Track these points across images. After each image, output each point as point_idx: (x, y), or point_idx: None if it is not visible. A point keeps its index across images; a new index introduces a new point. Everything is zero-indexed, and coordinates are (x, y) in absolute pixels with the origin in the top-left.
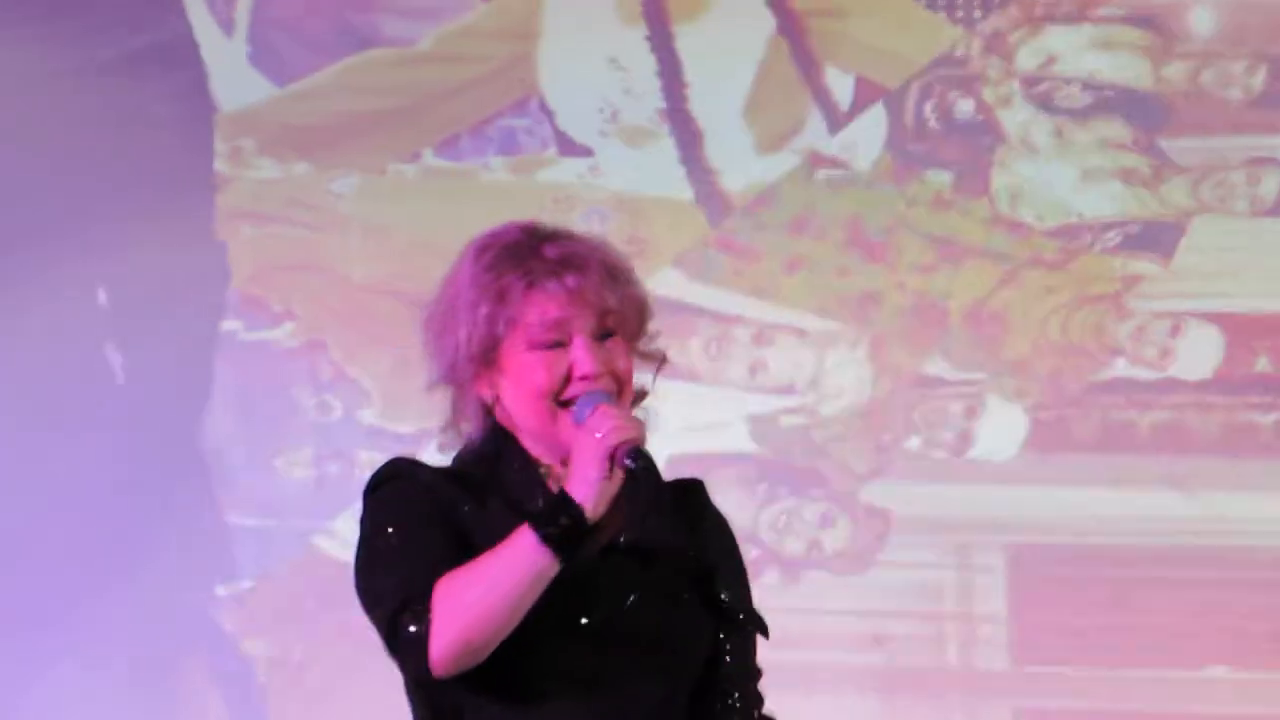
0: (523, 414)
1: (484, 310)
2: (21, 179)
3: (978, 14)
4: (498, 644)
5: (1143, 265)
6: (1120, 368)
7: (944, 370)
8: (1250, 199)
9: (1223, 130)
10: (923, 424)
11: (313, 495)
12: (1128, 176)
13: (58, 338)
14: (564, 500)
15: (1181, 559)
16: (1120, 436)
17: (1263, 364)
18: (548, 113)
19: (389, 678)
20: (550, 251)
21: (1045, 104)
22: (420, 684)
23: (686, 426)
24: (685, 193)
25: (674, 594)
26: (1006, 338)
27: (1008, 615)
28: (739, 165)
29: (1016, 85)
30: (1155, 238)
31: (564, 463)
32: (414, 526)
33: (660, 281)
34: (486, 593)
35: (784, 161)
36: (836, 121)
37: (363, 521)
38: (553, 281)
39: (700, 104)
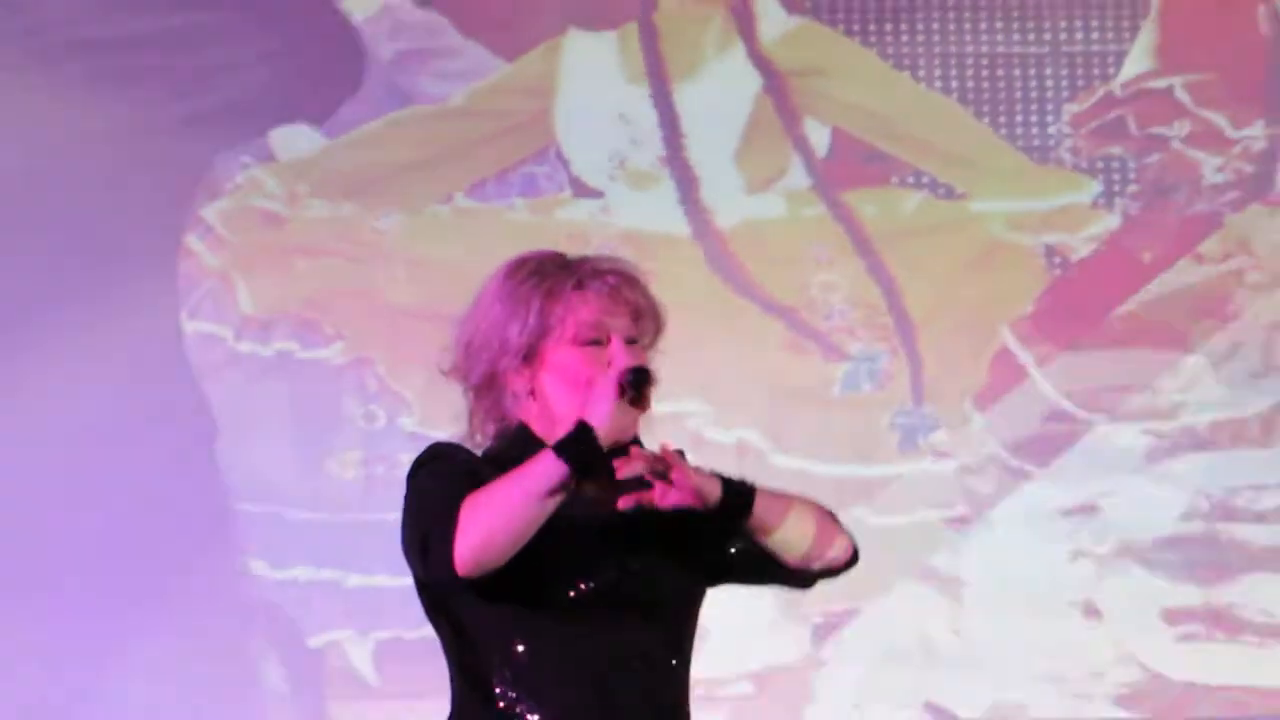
0: (562, 402)
1: (535, 305)
2: (112, 210)
3: (936, 72)
4: (515, 548)
5: None
6: None
7: None
8: None
9: None
10: None
11: (361, 493)
12: None
13: (139, 354)
14: (579, 423)
15: None
16: None
17: None
18: (563, 160)
19: (430, 649)
20: (592, 263)
21: None
22: (444, 602)
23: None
24: (684, 229)
25: (667, 557)
26: None
27: None
28: (730, 205)
29: None
30: None
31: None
32: (450, 478)
33: None
34: (507, 500)
35: (770, 202)
36: (814, 167)
37: (406, 493)
38: (598, 282)
39: (696, 152)
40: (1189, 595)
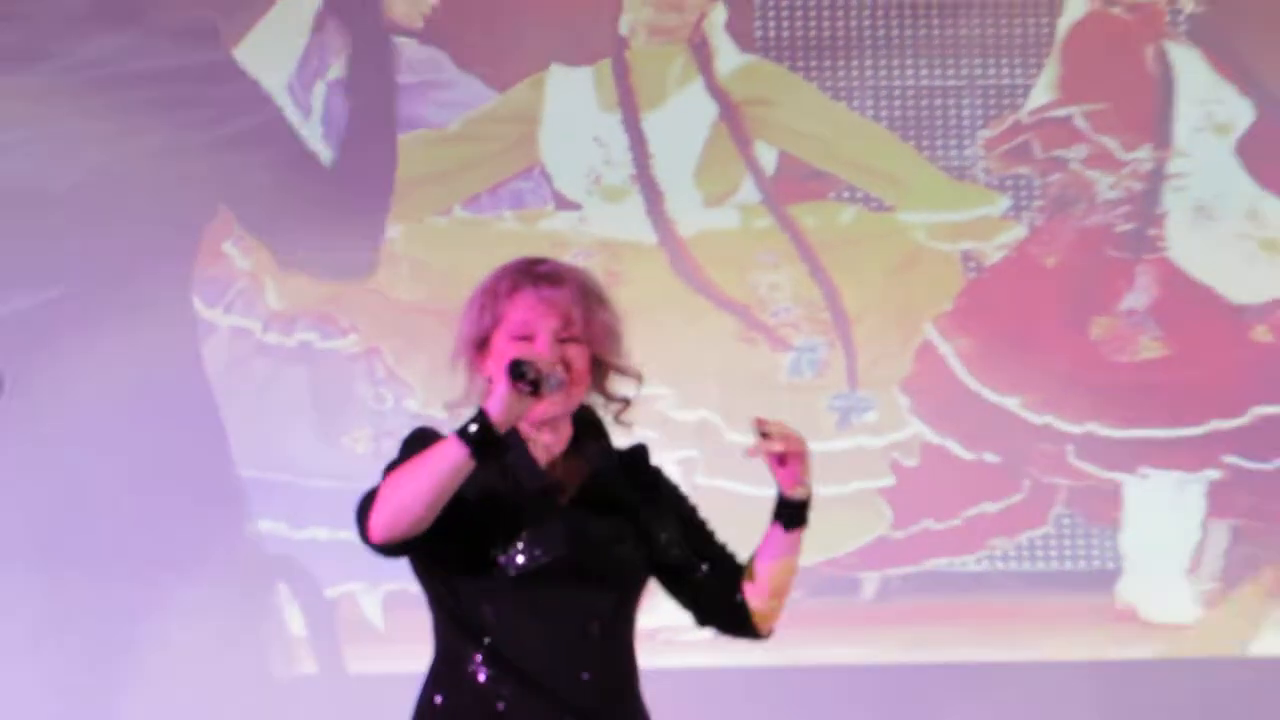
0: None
1: (480, 305)
2: (156, 223)
3: (869, 102)
4: (425, 519)
5: None
6: None
7: None
8: None
9: None
10: None
11: (371, 465)
12: None
13: (170, 348)
14: (479, 410)
15: None
16: None
17: None
18: (547, 177)
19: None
20: (537, 270)
21: None
22: (422, 570)
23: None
24: (651, 238)
25: (619, 534)
26: None
27: None
28: (691, 217)
29: None
30: None
31: (536, 427)
32: (401, 461)
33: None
34: (413, 479)
35: (725, 214)
36: (763, 184)
37: None
38: (530, 289)
39: (661, 170)
40: None
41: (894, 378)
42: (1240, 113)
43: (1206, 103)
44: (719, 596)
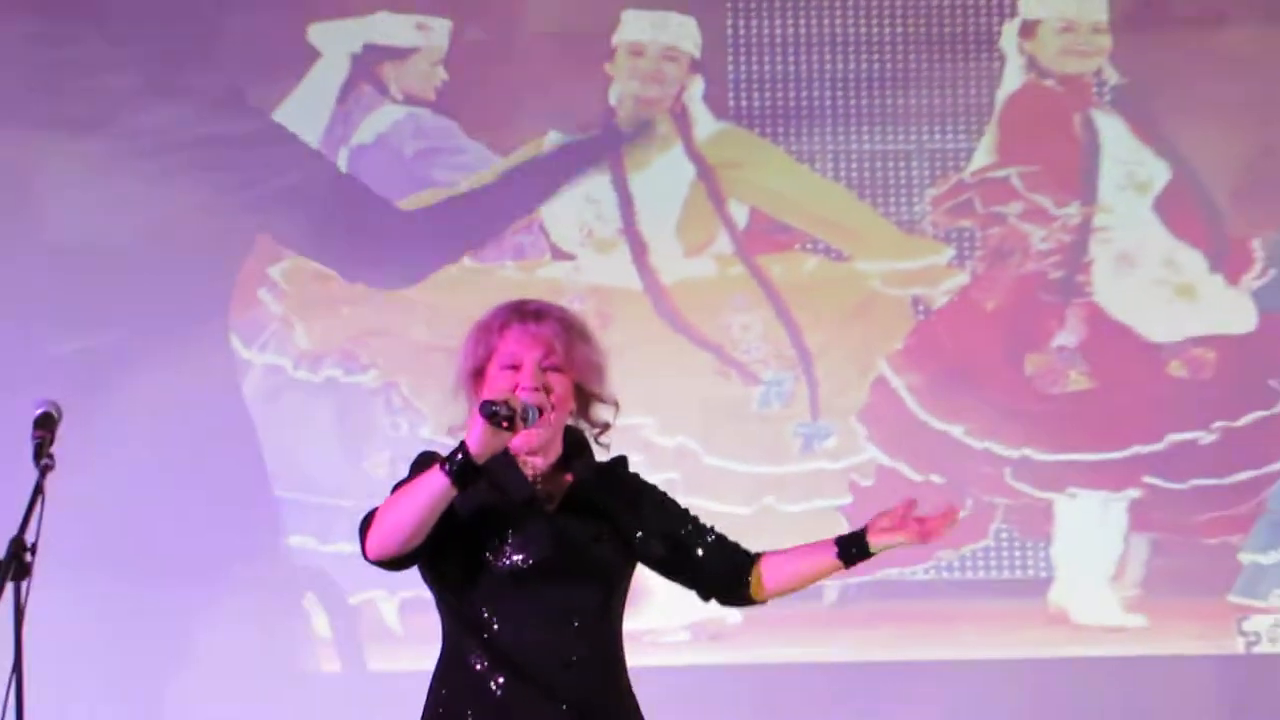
0: None
1: (476, 340)
2: (199, 272)
3: (829, 164)
4: (413, 538)
5: None
6: None
7: None
8: None
9: None
10: None
11: (390, 486)
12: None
13: (212, 383)
14: (460, 444)
15: None
16: None
17: None
18: (544, 231)
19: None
20: (525, 308)
21: None
22: (430, 576)
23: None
24: (636, 284)
25: (598, 536)
26: None
27: None
28: (672, 266)
29: None
30: None
31: (529, 452)
32: (403, 484)
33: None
34: (404, 503)
35: (702, 264)
36: (736, 236)
37: None
38: (518, 324)
39: (646, 225)
40: None
41: (852, 408)
42: (1157, 173)
43: (1128, 164)
44: (719, 575)
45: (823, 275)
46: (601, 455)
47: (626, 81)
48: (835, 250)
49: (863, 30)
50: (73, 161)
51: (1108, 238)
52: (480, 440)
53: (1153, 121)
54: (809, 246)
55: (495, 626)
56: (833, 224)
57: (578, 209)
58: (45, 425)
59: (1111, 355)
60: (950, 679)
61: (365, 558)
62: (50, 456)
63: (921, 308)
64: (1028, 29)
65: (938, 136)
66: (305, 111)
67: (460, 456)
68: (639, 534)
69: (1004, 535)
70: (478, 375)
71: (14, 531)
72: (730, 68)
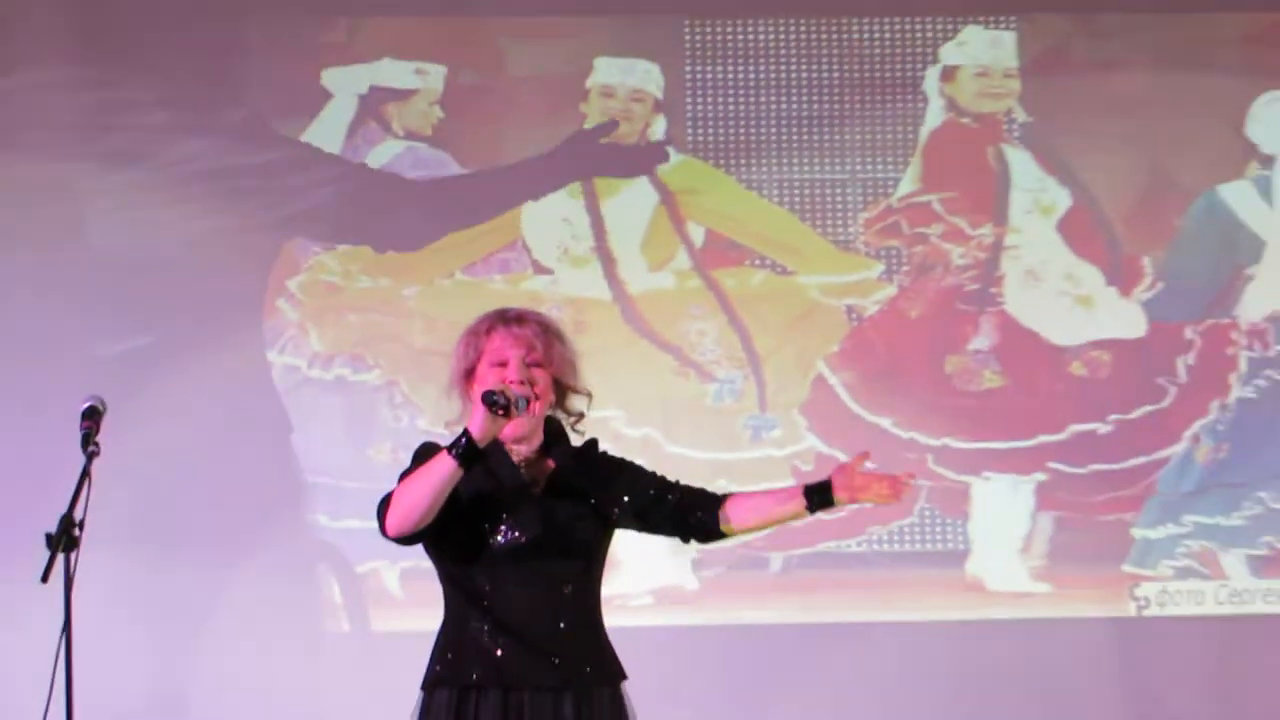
0: None
1: (466, 344)
2: (223, 284)
3: (775, 191)
4: (427, 516)
5: None
6: None
7: None
8: None
9: None
10: None
11: (391, 471)
12: None
13: (239, 381)
14: (464, 430)
15: None
16: None
17: None
18: (527, 249)
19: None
20: (508, 315)
21: None
22: (431, 551)
23: None
24: (607, 295)
25: (579, 514)
26: None
27: None
28: (638, 279)
29: None
30: None
31: (515, 440)
32: (411, 470)
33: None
34: (416, 486)
35: (664, 277)
36: (693, 254)
37: None
38: (502, 328)
39: (615, 243)
40: None
41: (794, 403)
42: (1060, 199)
43: (1034, 191)
44: (693, 518)
45: (769, 287)
46: (576, 441)
47: (599, 119)
48: (780, 266)
49: (804, 75)
50: (118, 189)
51: (1017, 255)
52: (481, 426)
53: (1056, 154)
54: (757, 262)
55: (494, 596)
56: (778, 243)
57: (556, 230)
58: (91, 417)
59: (1020, 357)
60: (881, 638)
61: (385, 535)
62: (96, 444)
63: (855, 316)
64: (948, 74)
65: (869, 167)
66: (319, 145)
67: (464, 441)
68: (618, 506)
69: (927, 513)
70: (469, 375)
71: (65, 509)
72: (689, 107)
